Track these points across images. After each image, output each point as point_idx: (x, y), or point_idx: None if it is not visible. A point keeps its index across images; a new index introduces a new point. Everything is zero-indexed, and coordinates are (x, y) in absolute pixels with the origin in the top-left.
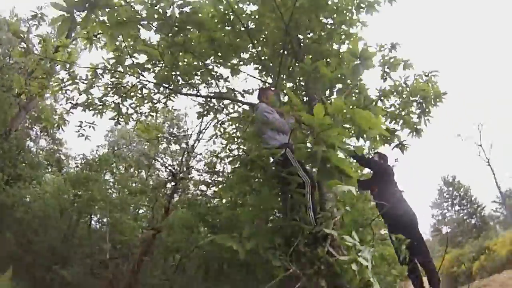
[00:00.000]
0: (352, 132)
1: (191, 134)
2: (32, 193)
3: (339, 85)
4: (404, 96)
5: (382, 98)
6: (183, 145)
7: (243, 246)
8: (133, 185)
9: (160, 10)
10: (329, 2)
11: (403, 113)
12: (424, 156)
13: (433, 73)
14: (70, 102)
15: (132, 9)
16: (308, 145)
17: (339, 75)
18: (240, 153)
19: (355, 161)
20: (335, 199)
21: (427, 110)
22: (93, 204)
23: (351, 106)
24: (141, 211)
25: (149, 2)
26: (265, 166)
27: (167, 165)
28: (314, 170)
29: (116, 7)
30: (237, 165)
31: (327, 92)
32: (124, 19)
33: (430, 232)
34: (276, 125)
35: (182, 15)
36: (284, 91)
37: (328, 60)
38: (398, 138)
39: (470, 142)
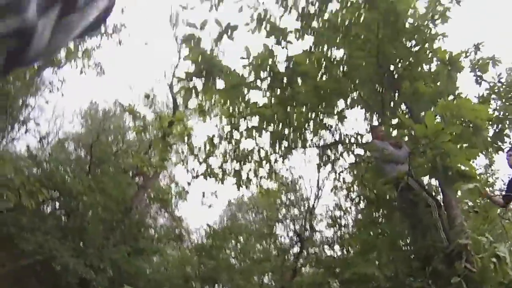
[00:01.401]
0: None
1: (309, 196)
2: (155, 264)
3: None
4: (503, 94)
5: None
6: (304, 207)
7: (383, 272)
8: (257, 254)
9: (268, 68)
10: (407, 25)
11: (507, 114)
12: None
13: None
14: (191, 173)
15: (241, 75)
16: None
17: (437, 90)
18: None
19: None
20: (462, 215)
21: None
22: (218, 273)
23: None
24: (265, 280)
25: (257, 63)
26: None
27: (290, 228)
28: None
29: (229, 72)
30: (362, 205)
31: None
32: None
33: None
34: (394, 157)
35: (289, 68)
36: (392, 123)
37: (424, 81)
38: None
39: None
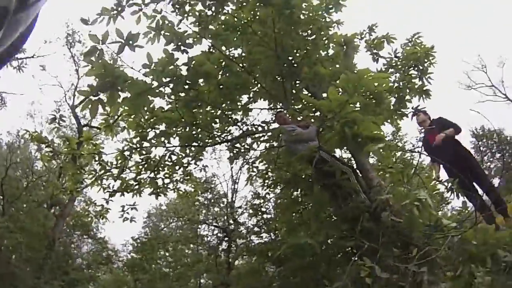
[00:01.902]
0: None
1: (227, 191)
2: None
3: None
4: (400, 67)
5: None
6: (223, 203)
7: (315, 240)
8: (187, 259)
9: (171, 73)
10: (301, 17)
11: (406, 83)
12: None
13: (416, 35)
14: (107, 191)
15: (145, 82)
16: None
17: (336, 71)
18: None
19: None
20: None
21: (423, 69)
22: (155, 284)
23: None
24: (202, 280)
25: (158, 69)
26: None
27: (214, 226)
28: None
29: (131, 81)
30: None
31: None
32: (142, 89)
33: None
34: (303, 136)
35: (190, 70)
36: (296, 108)
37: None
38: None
39: (480, 84)
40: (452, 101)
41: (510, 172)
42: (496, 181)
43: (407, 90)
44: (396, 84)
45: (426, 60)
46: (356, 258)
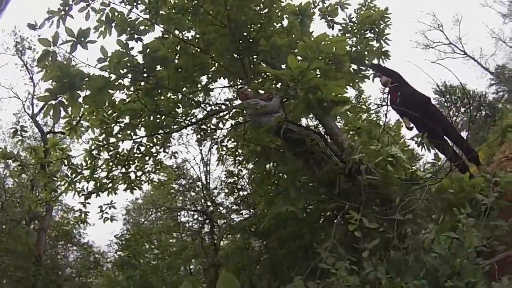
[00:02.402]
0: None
1: (200, 174)
2: None
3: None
4: (356, 31)
5: None
6: (198, 187)
7: (297, 206)
8: (173, 248)
9: (128, 64)
10: None
11: (364, 46)
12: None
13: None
14: (83, 194)
15: (103, 76)
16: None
17: (293, 40)
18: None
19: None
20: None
21: (380, 32)
22: (147, 278)
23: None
24: (192, 266)
25: (114, 61)
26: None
27: (193, 211)
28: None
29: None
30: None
31: None
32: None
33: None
34: (267, 108)
35: (147, 58)
36: (257, 82)
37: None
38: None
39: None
40: (412, 60)
41: (476, 125)
42: (463, 135)
43: (366, 53)
44: (354, 48)
45: (381, 23)
46: (339, 220)
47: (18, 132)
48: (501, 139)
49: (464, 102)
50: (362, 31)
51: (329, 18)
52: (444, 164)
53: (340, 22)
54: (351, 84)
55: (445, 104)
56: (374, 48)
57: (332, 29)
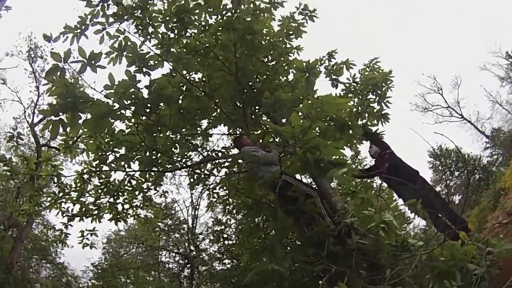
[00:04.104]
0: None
1: (187, 217)
2: None
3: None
4: (359, 92)
5: None
6: (184, 229)
7: (282, 265)
8: (150, 287)
9: (132, 96)
10: (263, 42)
11: (365, 108)
12: (403, 140)
13: (374, 60)
14: (66, 215)
15: (106, 103)
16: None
17: (297, 96)
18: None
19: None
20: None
21: (382, 94)
22: None
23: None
24: None
25: (120, 91)
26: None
27: (175, 252)
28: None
29: (93, 102)
30: (242, 213)
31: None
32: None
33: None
34: (266, 159)
35: (152, 93)
36: (256, 134)
37: (283, 90)
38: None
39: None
40: (409, 122)
41: (469, 188)
42: (456, 198)
43: (366, 115)
44: (355, 109)
45: (384, 85)
46: (324, 282)
47: (14, 138)
48: (494, 203)
49: (458, 165)
50: (365, 92)
51: (334, 77)
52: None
53: (344, 81)
54: (348, 145)
55: (440, 167)
56: (375, 110)
57: (336, 88)
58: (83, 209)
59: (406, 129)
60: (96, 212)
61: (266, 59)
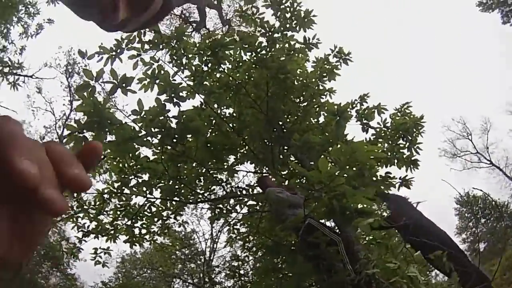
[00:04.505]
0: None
1: (205, 249)
2: None
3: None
4: (389, 137)
5: None
6: (200, 260)
7: None
8: None
9: (160, 124)
10: (295, 82)
11: (395, 154)
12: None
13: (405, 105)
14: (82, 230)
15: (133, 128)
16: None
17: (327, 140)
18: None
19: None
20: (365, 248)
21: (412, 140)
22: None
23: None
24: None
25: (148, 118)
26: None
27: (189, 282)
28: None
29: (119, 125)
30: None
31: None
32: (129, 136)
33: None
34: (291, 201)
35: (180, 124)
36: (282, 174)
37: (313, 132)
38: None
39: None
40: (436, 168)
41: (495, 236)
42: (481, 246)
43: (395, 161)
44: (384, 155)
45: (415, 130)
46: None
47: None
48: None
49: (485, 212)
50: (395, 137)
51: (365, 121)
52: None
53: (374, 126)
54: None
55: (466, 214)
56: (404, 156)
57: (366, 132)
58: (100, 227)
59: (430, 174)
60: (112, 232)
61: (297, 100)
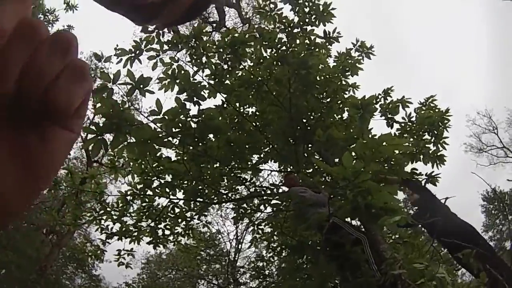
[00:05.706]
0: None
1: (230, 249)
2: None
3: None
4: (414, 132)
5: None
6: (225, 261)
7: None
8: None
9: (180, 124)
10: (318, 78)
11: (421, 149)
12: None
13: (430, 99)
14: (105, 232)
15: (153, 129)
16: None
17: (351, 135)
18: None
19: None
20: (391, 248)
21: (438, 134)
22: None
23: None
24: None
25: (168, 118)
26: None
27: (213, 283)
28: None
29: (139, 125)
30: (284, 253)
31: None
32: (149, 137)
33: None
34: (314, 200)
35: (200, 123)
36: (306, 172)
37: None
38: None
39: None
40: (463, 164)
41: None
42: (508, 244)
43: (421, 156)
44: (408, 150)
45: (440, 124)
46: None
47: None
48: None
49: None
50: (420, 132)
51: (389, 116)
52: None
53: (399, 121)
54: (401, 188)
55: (493, 211)
56: (430, 151)
57: (391, 128)
58: (123, 229)
59: (455, 170)
60: (135, 233)
61: (320, 96)
